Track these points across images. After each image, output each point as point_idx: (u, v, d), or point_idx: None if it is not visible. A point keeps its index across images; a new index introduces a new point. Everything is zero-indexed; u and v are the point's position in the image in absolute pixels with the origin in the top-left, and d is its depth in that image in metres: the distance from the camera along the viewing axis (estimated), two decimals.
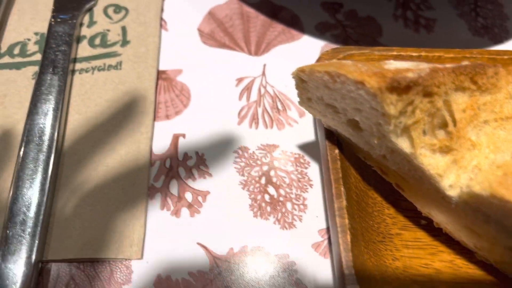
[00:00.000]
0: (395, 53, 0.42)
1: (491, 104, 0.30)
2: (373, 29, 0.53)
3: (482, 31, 0.54)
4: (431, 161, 0.29)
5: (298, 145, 0.44)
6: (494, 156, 0.30)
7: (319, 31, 0.52)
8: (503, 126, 0.31)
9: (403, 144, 0.29)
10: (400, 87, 0.26)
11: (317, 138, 0.44)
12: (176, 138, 0.43)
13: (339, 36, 0.52)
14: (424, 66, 0.28)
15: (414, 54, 0.42)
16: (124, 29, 0.48)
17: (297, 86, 0.34)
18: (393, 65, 0.28)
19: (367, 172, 0.39)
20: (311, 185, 0.41)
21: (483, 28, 0.55)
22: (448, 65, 0.28)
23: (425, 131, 0.29)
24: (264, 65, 0.48)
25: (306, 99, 0.34)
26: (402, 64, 0.28)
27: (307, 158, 0.43)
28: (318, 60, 0.41)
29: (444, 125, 0.30)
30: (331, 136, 0.37)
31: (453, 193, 0.29)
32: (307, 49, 0.50)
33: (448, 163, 0.29)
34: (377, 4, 0.55)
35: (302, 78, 0.33)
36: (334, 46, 0.51)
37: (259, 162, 0.42)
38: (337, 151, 0.36)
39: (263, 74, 0.48)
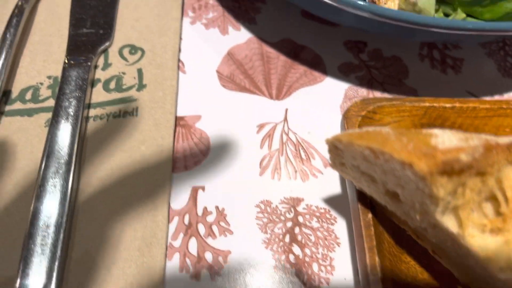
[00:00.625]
0: (427, 104, 0.40)
1: None
2: (399, 69, 0.51)
3: None
4: (480, 242, 0.26)
5: (323, 199, 0.41)
6: None
7: (343, 73, 0.50)
8: None
9: (450, 223, 0.26)
10: (453, 171, 0.24)
11: (344, 190, 0.42)
12: (195, 191, 0.41)
13: (364, 77, 0.50)
14: (476, 143, 0.25)
15: (447, 105, 0.40)
16: (140, 72, 0.46)
17: (330, 151, 0.32)
18: (440, 138, 0.26)
19: (401, 235, 0.36)
20: (338, 244, 0.39)
21: None
22: (501, 141, 0.26)
23: (474, 208, 0.27)
24: (286, 110, 0.46)
25: (339, 164, 0.32)
26: (450, 138, 0.26)
27: (333, 213, 0.41)
28: (347, 113, 0.38)
29: (493, 199, 0.27)
30: (363, 198, 0.35)
31: (504, 276, 0.27)
32: (330, 92, 0.48)
33: (499, 245, 0.27)
34: (403, 43, 0.53)
35: (338, 147, 0.30)
36: (358, 88, 0.49)
37: (282, 218, 0.40)
38: (370, 215, 0.34)
39: (285, 119, 0.46)
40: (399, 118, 0.39)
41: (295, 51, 0.51)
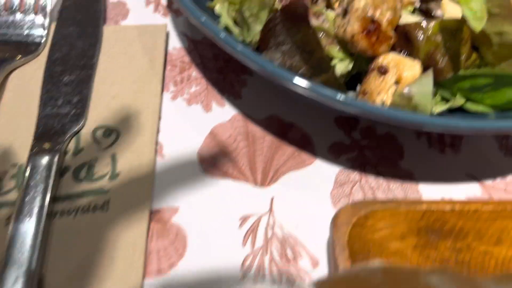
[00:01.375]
0: (424, 207, 0.36)
1: None
2: (394, 150, 0.47)
3: None
4: None
5: None
6: None
7: (333, 154, 0.46)
8: None
9: None
10: None
11: None
12: None
13: (356, 159, 0.46)
14: None
15: (446, 208, 0.36)
16: (114, 158, 0.42)
17: None
18: None
19: None
20: None
21: None
22: None
23: None
24: (272, 199, 0.43)
25: None
26: None
27: None
28: (336, 220, 0.35)
29: None
30: None
31: None
32: (320, 176, 0.45)
33: None
34: None
35: None
36: (350, 172, 0.45)
37: None
38: None
39: (271, 210, 0.42)
40: (393, 223, 0.36)
41: (283, 130, 0.47)
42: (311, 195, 0.43)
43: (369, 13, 0.36)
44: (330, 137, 0.47)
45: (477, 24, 0.34)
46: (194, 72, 0.51)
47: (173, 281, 0.37)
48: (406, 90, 0.36)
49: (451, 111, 0.43)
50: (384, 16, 0.36)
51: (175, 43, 0.53)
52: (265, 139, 0.46)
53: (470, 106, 0.42)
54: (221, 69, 0.51)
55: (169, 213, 0.41)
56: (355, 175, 0.45)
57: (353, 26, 0.37)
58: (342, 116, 0.49)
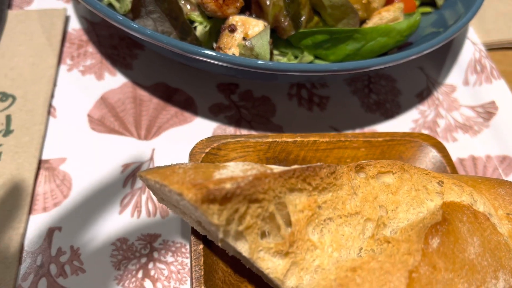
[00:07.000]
0: (270, 139, 0.43)
1: (332, 201, 0.31)
2: (267, 108, 0.54)
3: (374, 107, 0.57)
4: (270, 264, 0.29)
5: (181, 233, 0.43)
6: (338, 254, 0.30)
7: (213, 113, 0.53)
8: (348, 222, 0.31)
9: (242, 248, 0.29)
10: (217, 199, 0.26)
11: None
12: (51, 232, 0.41)
13: (233, 117, 0.53)
14: (251, 173, 0.28)
15: (289, 139, 0.43)
16: (8, 118, 0.47)
17: (148, 187, 0.34)
18: (226, 170, 0.28)
19: (239, 263, 0.38)
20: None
21: (375, 104, 0.57)
22: (276, 170, 0.29)
23: (266, 233, 0.29)
24: (153, 150, 0.48)
25: (159, 198, 0.34)
26: (235, 170, 0.28)
27: (189, 247, 0.42)
28: (192, 150, 0.41)
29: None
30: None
31: None
32: (199, 131, 0.51)
33: (287, 266, 0.29)
34: (273, 84, 0.57)
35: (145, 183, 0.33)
36: (226, 127, 0.52)
37: (137, 254, 0.41)
38: (201, 246, 0.35)
39: (151, 159, 0.48)
40: (244, 154, 0.42)
41: (169, 94, 0.53)
42: (189, 146, 0.49)
43: None
44: (211, 100, 0.54)
45: None
46: (91, 49, 0.56)
47: (58, 216, 0.42)
48: (247, 43, 0.43)
49: None
50: None
51: (75, 25, 0.58)
52: (151, 102, 0.52)
53: (318, 62, 0.49)
54: (116, 46, 0.57)
55: (57, 162, 0.46)
56: (230, 129, 0.52)
57: None
58: (223, 83, 0.56)
